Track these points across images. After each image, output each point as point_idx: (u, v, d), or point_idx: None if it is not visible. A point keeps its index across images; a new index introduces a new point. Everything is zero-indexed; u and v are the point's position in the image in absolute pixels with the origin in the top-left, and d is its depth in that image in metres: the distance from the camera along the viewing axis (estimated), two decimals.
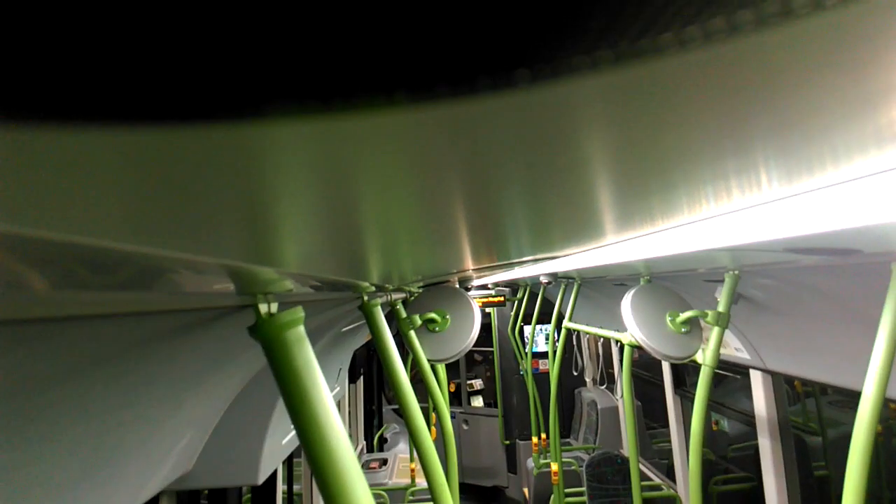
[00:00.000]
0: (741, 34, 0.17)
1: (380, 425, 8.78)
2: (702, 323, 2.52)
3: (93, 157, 0.20)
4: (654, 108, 0.25)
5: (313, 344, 0.89)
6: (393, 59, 0.16)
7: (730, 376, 4.73)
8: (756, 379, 3.70)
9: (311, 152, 0.24)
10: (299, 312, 0.87)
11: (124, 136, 0.17)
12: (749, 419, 3.88)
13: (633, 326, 2.58)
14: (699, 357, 2.45)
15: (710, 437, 5.18)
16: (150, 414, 1.33)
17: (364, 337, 4.66)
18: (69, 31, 0.13)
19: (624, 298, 2.69)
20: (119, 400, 1.06)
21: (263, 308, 0.83)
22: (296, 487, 4.65)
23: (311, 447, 0.80)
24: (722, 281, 2.33)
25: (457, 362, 2.67)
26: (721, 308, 2.30)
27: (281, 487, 3.69)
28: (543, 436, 7.06)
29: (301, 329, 0.86)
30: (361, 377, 7.29)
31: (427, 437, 1.92)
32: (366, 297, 1.69)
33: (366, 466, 6.59)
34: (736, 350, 3.34)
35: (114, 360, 0.85)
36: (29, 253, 0.29)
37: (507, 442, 8.63)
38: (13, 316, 0.46)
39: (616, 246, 1.53)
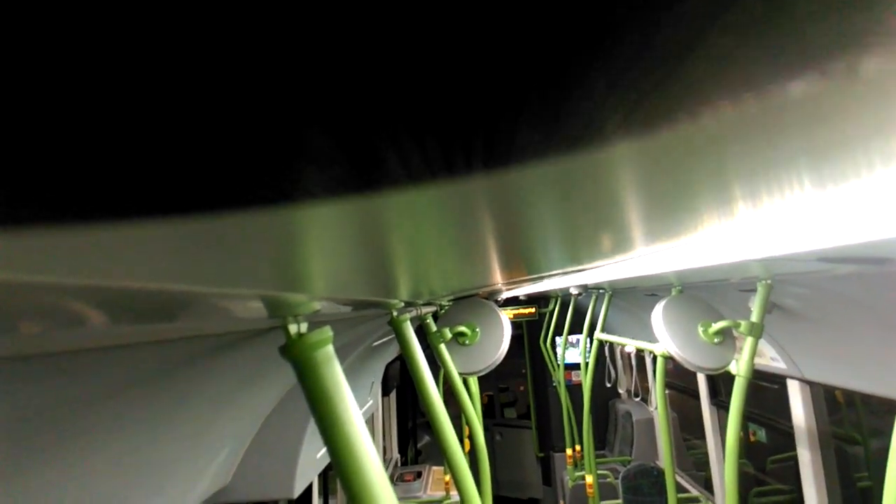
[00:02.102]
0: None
1: (415, 437, 8.78)
2: (735, 333, 2.48)
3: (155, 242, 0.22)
4: (682, 138, 0.25)
5: (344, 358, 0.91)
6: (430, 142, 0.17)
7: (767, 387, 4.62)
8: (794, 389, 3.61)
9: (345, 217, 0.26)
10: (328, 332, 0.88)
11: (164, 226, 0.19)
12: (788, 430, 3.79)
13: (664, 337, 2.55)
14: (733, 368, 2.40)
15: (748, 449, 5.07)
16: (187, 430, 1.36)
17: (396, 350, 4.68)
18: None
19: (655, 309, 2.66)
20: (156, 419, 1.09)
21: (293, 329, 0.85)
22: (331, 501, 4.67)
23: (340, 463, 0.82)
24: (755, 290, 2.30)
25: (489, 373, 2.67)
26: (754, 318, 2.27)
27: (317, 501, 3.71)
28: (578, 448, 6.98)
29: (330, 348, 0.88)
30: (395, 390, 7.30)
31: (458, 451, 1.92)
32: (395, 313, 1.71)
33: (400, 479, 6.58)
34: (772, 360, 3.28)
35: (150, 383, 0.88)
36: (88, 297, 0.31)
37: (542, 454, 8.55)
38: (61, 348, 0.49)
39: (646, 257, 1.52)
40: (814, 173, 0.44)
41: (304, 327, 0.87)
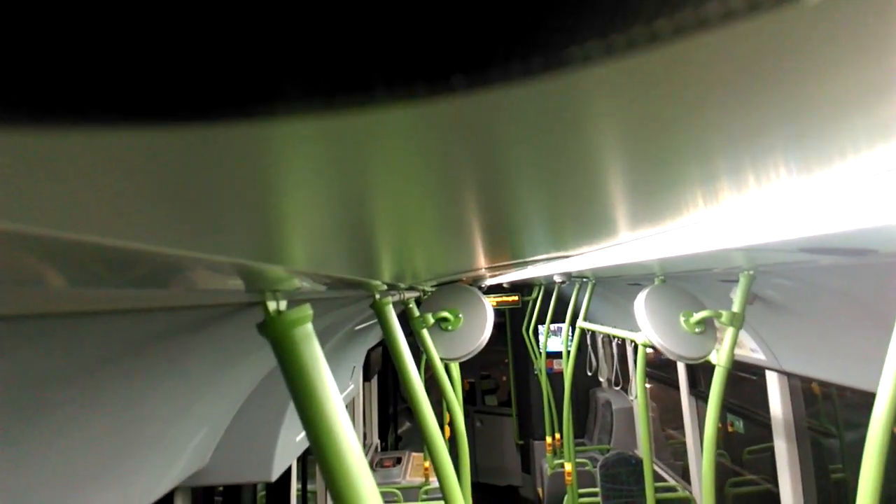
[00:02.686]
0: (758, 11, 0.16)
1: (395, 423, 8.80)
2: (716, 323, 2.50)
3: (103, 157, 0.20)
4: (668, 96, 0.25)
5: (325, 342, 0.89)
6: (403, 51, 0.16)
7: (746, 378, 4.68)
8: (772, 380, 3.66)
9: (320, 149, 0.24)
10: (307, 310, 0.87)
11: (134, 135, 0.17)
12: (765, 421, 3.84)
13: (646, 326, 2.56)
14: (713, 358, 2.43)
15: (725, 439, 5.14)
16: (164, 410, 1.34)
17: (378, 335, 4.68)
18: (81, 31, 0.13)
19: (637, 298, 2.67)
20: (133, 397, 1.08)
21: (272, 306, 0.83)
22: (310, 486, 4.67)
23: (318, 443, 0.81)
24: (737, 281, 2.31)
25: (472, 361, 2.67)
26: (735, 308, 2.28)
27: (295, 485, 3.71)
28: (557, 436, 7.04)
29: (309, 326, 0.87)
30: (376, 375, 7.31)
31: (438, 437, 1.92)
32: (377, 296, 1.70)
33: (380, 465, 6.60)
34: (752, 351, 3.31)
35: (127, 357, 0.86)
36: (43, 250, 0.29)
37: (521, 442, 8.62)
38: (28, 311, 0.47)
39: (630, 245, 1.52)
40: (798, 155, 0.44)
41: (283, 305, 0.86)
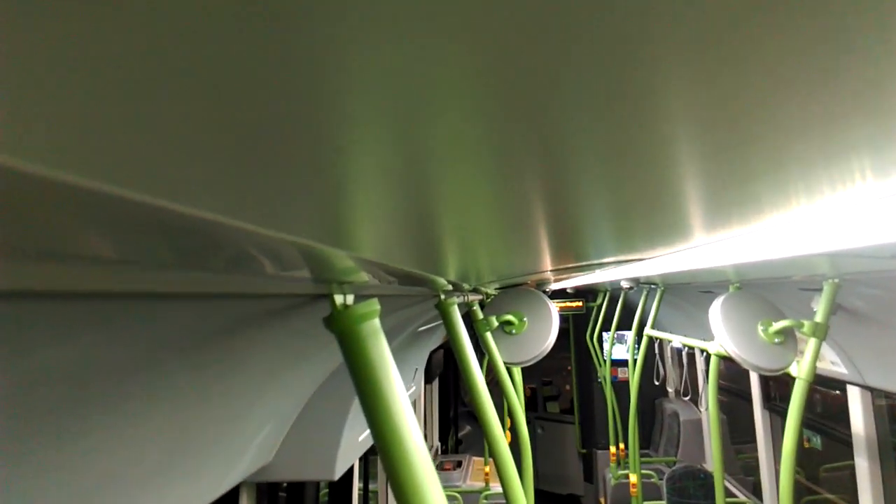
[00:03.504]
0: None
1: (455, 427, 8.81)
2: (797, 334, 2.38)
3: (171, 117, 0.19)
4: (750, 73, 0.22)
5: (390, 342, 0.88)
6: None
7: (824, 391, 4.46)
8: (854, 395, 3.46)
9: (394, 123, 0.23)
10: (375, 305, 0.86)
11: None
12: (845, 438, 3.64)
13: (722, 335, 2.46)
14: (793, 370, 2.31)
15: (802, 455, 4.90)
16: (231, 406, 1.36)
17: (440, 338, 4.68)
18: None
19: (713, 305, 2.57)
20: (201, 390, 1.09)
21: (339, 299, 0.82)
22: (371, 485, 4.72)
23: (383, 441, 0.79)
24: (819, 289, 2.19)
25: (533, 366, 2.63)
26: (819, 318, 2.17)
27: (357, 484, 3.74)
28: (622, 446, 6.89)
29: (376, 322, 0.86)
30: (437, 378, 7.33)
31: (502, 441, 1.89)
32: (442, 296, 1.69)
33: (440, 467, 6.61)
34: (832, 363, 3.14)
35: (197, 347, 0.87)
36: (107, 214, 0.28)
37: (584, 450, 8.48)
38: (93, 289, 0.47)
39: (703, 249, 1.45)
40: (890, 152, 0.40)
41: (350, 299, 0.85)
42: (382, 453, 0.80)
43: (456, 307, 1.78)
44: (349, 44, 0.16)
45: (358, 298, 0.87)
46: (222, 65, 0.17)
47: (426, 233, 0.60)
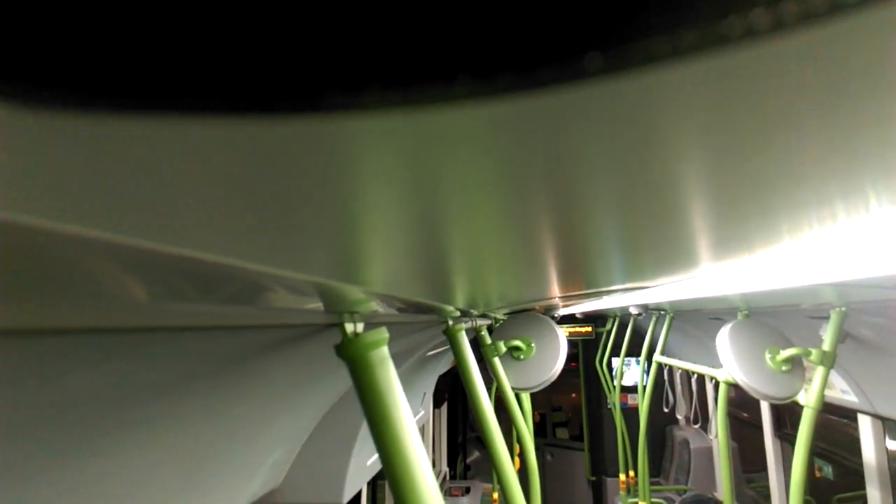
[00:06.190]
0: (843, 14, 0.15)
1: (464, 452, 8.72)
2: (805, 362, 2.37)
3: (191, 157, 0.21)
4: (754, 112, 0.23)
5: (398, 367, 0.90)
6: (494, 42, 0.15)
7: (834, 420, 4.40)
8: (864, 424, 3.42)
9: (401, 165, 0.25)
10: (383, 333, 0.88)
11: (220, 128, 0.18)
12: (857, 467, 3.58)
13: (730, 362, 2.45)
14: (801, 398, 2.29)
15: (813, 485, 4.82)
16: (242, 427, 1.38)
17: (448, 362, 4.67)
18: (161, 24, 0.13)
19: (720, 333, 2.56)
20: (214, 413, 1.11)
21: (349, 328, 0.84)
22: None
23: (391, 467, 0.80)
24: (827, 318, 2.19)
25: (542, 391, 2.62)
26: (826, 347, 2.16)
27: None
28: (632, 473, 6.80)
29: (385, 350, 0.87)
30: (445, 403, 7.29)
31: (510, 468, 1.89)
32: (450, 322, 1.70)
33: (448, 493, 6.54)
34: (842, 392, 3.11)
35: (209, 375, 0.89)
36: (131, 262, 0.30)
37: (594, 478, 8.36)
38: (117, 325, 0.49)
39: (711, 277, 1.46)
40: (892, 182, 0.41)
41: (360, 327, 0.87)
42: (391, 480, 0.81)
43: (464, 333, 1.79)
44: (363, 114, 0.18)
45: (368, 326, 0.89)
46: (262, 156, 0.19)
47: (436, 266, 0.62)
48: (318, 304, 0.70)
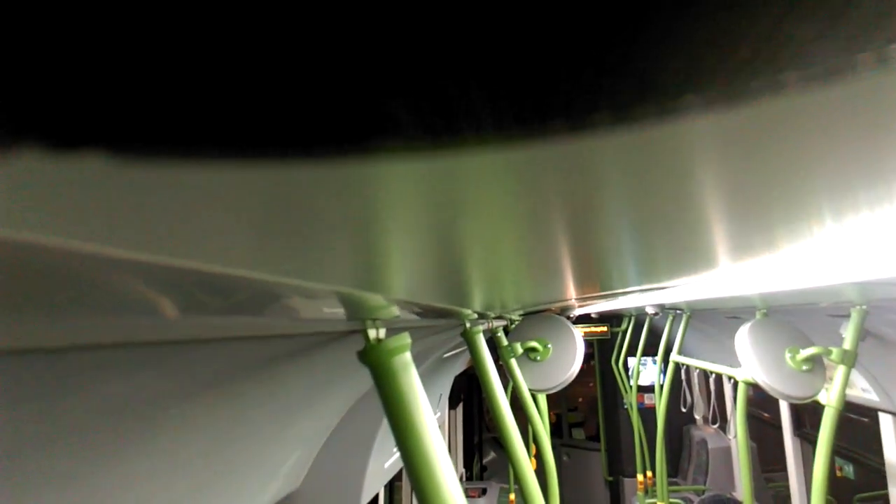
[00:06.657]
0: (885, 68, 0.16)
1: (480, 453, 8.71)
2: (825, 361, 2.34)
3: (220, 192, 0.22)
4: (774, 143, 0.24)
5: (416, 368, 0.91)
6: (504, 95, 0.16)
7: (856, 419, 4.35)
8: (886, 423, 3.38)
9: (422, 191, 0.26)
10: (406, 339, 0.89)
11: (246, 171, 0.19)
12: (878, 466, 3.54)
13: (749, 362, 2.43)
14: (822, 398, 2.27)
15: (834, 484, 4.77)
16: (261, 433, 1.39)
17: (463, 364, 4.67)
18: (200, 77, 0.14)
19: (739, 332, 2.54)
20: (233, 420, 1.12)
21: (372, 333, 0.86)
22: None
23: (414, 471, 0.82)
24: (847, 316, 2.17)
25: (558, 392, 2.62)
26: (847, 345, 2.14)
27: None
28: (649, 474, 6.77)
29: (407, 355, 0.89)
30: (461, 404, 7.28)
31: (528, 469, 1.89)
32: (468, 324, 1.70)
33: (465, 494, 6.53)
34: (863, 391, 3.08)
35: (231, 381, 0.91)
36: (159, 280, 0.32)
37: (611, 478, 8.32)
38: (151, 338, 0.51)
39: (730, 277, 1.46)
40: None
41: (382, 333, 0.88)
42: (415, 483, 0.82)
43: (481, 335, 1.79)
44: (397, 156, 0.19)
45: (389, 332, 0.90)
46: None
47: (456, 272, 0.63)
48: (340, 312, 0.71)
